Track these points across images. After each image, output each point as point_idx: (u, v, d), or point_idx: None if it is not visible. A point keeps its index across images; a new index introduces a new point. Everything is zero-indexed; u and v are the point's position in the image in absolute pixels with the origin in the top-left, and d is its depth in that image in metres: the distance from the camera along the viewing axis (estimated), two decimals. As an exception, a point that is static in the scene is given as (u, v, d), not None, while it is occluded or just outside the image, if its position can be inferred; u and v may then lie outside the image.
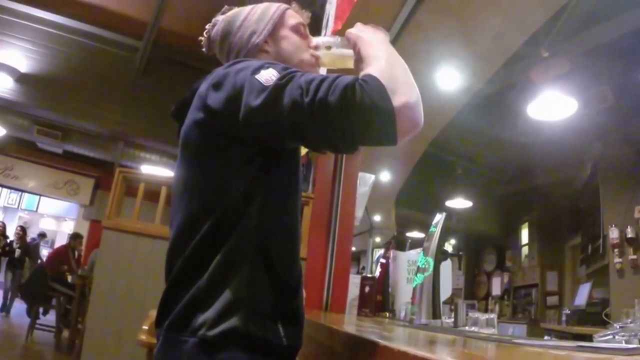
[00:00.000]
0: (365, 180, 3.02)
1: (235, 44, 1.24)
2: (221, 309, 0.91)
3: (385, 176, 6.70)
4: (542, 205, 8.19)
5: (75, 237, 7.92)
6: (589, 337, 2.18)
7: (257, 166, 1.00)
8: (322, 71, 1.26)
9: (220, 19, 1.29)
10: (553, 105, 4.48)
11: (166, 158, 7.39)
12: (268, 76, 0.93)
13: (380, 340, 0.73)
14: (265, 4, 1.29)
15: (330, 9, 3.12)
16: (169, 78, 6.64)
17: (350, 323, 1.59)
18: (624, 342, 1.32)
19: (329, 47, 1.23)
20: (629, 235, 5.10)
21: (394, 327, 1.57)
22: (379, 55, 0.99)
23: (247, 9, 1.27)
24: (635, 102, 4.83)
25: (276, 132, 0.94)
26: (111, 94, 6.42)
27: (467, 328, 1.75)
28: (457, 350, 0.80)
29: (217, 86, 1.00)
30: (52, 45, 6.17)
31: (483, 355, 0.73)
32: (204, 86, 1.05)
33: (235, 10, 1.29)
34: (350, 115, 0.86)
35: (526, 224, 8.78)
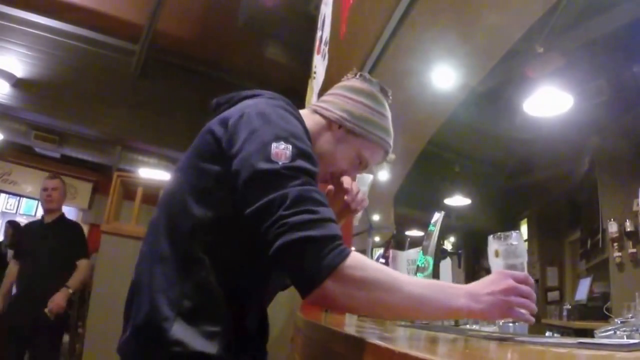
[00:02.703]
0: (364, 180, 3.01)
1: (336, 99, 1.24)
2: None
3: (383, 175, 6.69)
4: (540, 201, 8.19)
5: None
6: (590, 332, 2.18)
7: (225, 207, 1.00)
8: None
9: (372, 83, 1.28)
10: (549, 101, 4.48)
11: (164, 161, 7.37)
12: (281, 152, 0.93)
13: (380, 342, 0.73)
14: (389, 121, 1.27)
15: (326, 10, 3.12)
16: (166, 80, 6.64)
17: (351, 324, 1.59)
18: (625, 337, 1.32)
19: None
20: (628, 229, 5.09)
21: (394, 327, 1.57)
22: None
23: (384, 104, 1.27)
24: (631, 94, 4.83)
25: (241, 203, 0.93)
26: (108, 97, 6.42)
27: (468, 326, 1.75)
28: (458, 351, 0.80)
29: (242, 118, 1.01)
30: (49, 50, 6.17)
31: (484, 355, 0.73)
32: (238, 108, 1.07)
33: (381, 95, 1.27)
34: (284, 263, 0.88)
35: (525, 219, 8.78)
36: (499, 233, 1.06)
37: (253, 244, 0.95)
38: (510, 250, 1.04)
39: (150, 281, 1.03)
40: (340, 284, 0.85)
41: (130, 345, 1.04)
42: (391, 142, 1.27)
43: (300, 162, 0.94)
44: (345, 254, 0.86)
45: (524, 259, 1.04)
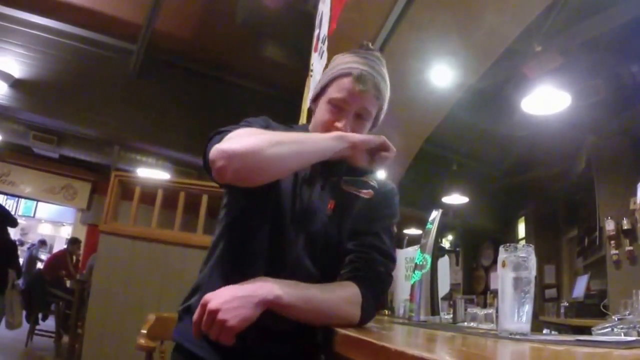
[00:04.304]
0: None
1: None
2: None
3: (381, 174, 6.70)
4: (538, 199, 8.20)
5: (73, 242, 7.89)
6: (588, 330, 2.19)
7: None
8: None
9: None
10: (547, 100, 4.49)
11: (162, 161, 7.37)
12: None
13: (377, 340, 0.73)
14: (337, 60, 1.27)
15: (324, 8, 3.13)
16: (164, 80, 6.63)
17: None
18: (622, 334, 1.33)
19: None
20: (625, 227, 5.11)
21: (392, 325, 1.58)
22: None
23: (340, 56, 1.30)
24: (628, 93, 4.84)
25: None
26: (106, 97, 6.41)
27: (466, 324, 1.76)
28: (455, 348, 0.81)
29: None
30: (46, 50, 6.15)
31: (481, 354, 0.73)
32: None
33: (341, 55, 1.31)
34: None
35: (522, 218, 8.79)
36: (509, 244, 1.06)
37: (244, 238, 1.18)
38: (519, 262, 1.03)
39: None
40: (226, 153, 1.00)
41: None
42: (350, 65, 1.22)
43: (244, 122, 1.18)
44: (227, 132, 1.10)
45: (532, 272, 1.04)
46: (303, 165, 1.15)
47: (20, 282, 5.36)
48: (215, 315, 0.93)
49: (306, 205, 1.20)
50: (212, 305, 0.94)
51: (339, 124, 1.19)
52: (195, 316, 0.97)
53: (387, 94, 1.27)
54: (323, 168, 1.23)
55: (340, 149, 1.10)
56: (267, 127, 1.22)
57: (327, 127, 1.20)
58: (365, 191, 1.29)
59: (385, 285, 1.24)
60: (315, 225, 1.19)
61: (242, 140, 1.04)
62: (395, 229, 1.34)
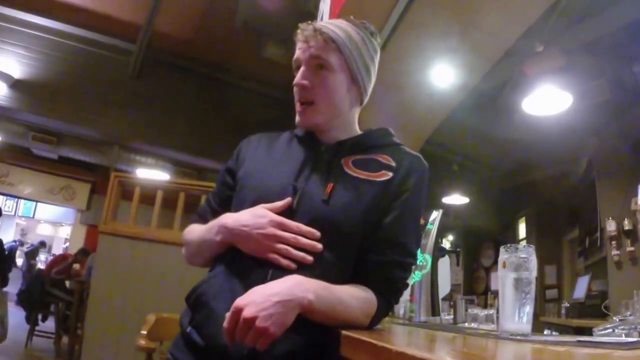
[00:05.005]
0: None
1: None
2: None
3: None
4: (539, 199, 8.20)
5: (83, 252, 7.69)
6: (589, 330, 2.18)
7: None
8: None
9: None
10: (548, 100, 4.47)
11: (162, 161, 7.37)
12: None
13: (377, 341, 0.72)
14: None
15: (324, 7, 3.13)
16: (164, 80, 6.62)
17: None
18: (623, 335, 1.32)
19: None
20: (626, 228, 5.09)
21: (392, 325, 1.57)
22: None
23: None
24: (630, 95, 4.83)
25: None
26: (106, 97, 6.40)
27: (466, 324, 1.75)
28: (456, 349, 0.80)
29: None
30: (46, 51, 6.15)
31: (482, 354, 0.73)
32: None
33: None
34: None
35: (523, 218, 8.79)
36: (510, 244, 1.05)
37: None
38: (519, 263, 1.02)
39: None
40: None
41: None
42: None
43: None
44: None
45: (533, 273, 1.03)
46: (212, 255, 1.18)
47: (5, 289, 4.68)
48: (253, 323, 0.88)
49: (299, 195, 1.11)
50: (247, 313, 0.88)
51: (294, 82, 1.18)
52: (226, 324, 0.90)
53: (354, 44, 1.19)
54: (327, 150, 1.18)
55: (219, 239, 1.12)
56: (239, 150, 1.31)
57: (295, 83, 1.18)
58: (377, 174, 1.13)
59: (400, 296, 1.17)
60: (307, 214, 1.08)
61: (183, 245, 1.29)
62: (422, 222, 1.26)
